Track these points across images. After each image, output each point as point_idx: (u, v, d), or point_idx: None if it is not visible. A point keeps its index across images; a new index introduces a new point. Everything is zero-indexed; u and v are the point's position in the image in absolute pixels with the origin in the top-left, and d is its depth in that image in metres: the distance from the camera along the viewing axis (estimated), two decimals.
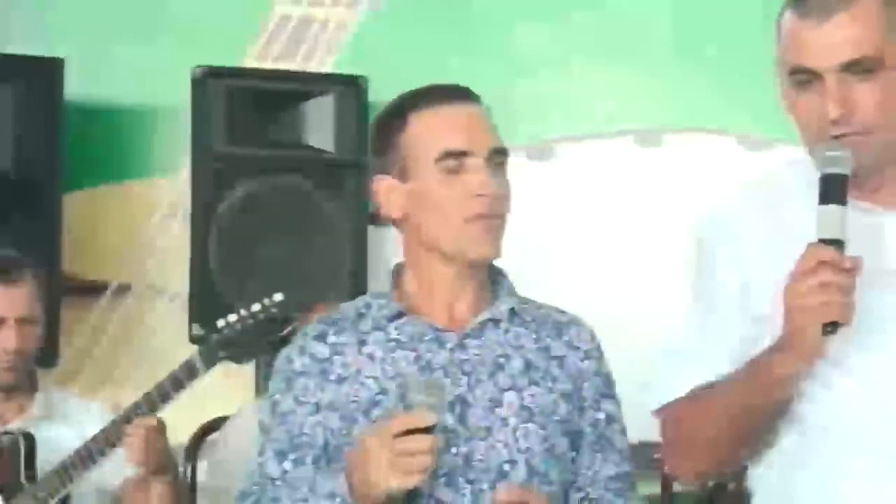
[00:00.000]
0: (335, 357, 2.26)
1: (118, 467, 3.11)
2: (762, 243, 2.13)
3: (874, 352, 2.11)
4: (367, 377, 2.24)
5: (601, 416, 2.30)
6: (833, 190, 2.04)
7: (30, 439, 3.18)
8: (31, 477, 3.17)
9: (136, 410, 3.06)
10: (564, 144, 4.57)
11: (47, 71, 4.09)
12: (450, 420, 2.19)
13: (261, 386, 3.65)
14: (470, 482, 2.17)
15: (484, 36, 4.57)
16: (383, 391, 2.22)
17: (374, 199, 2.28)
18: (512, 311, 2.28)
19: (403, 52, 4.49)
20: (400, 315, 2.25)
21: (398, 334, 2.26)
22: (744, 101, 4.40)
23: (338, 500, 2.16)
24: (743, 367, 2.10)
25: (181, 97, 4.01)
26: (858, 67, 2.07)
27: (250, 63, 4.46)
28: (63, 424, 3.24)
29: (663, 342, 2.29)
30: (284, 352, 2.30)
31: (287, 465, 2.27)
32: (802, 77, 2.10)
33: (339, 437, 2.24)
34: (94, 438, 3.08)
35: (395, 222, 2.26)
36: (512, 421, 2.22)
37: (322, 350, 2.27)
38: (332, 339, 2.28)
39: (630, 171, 4.56)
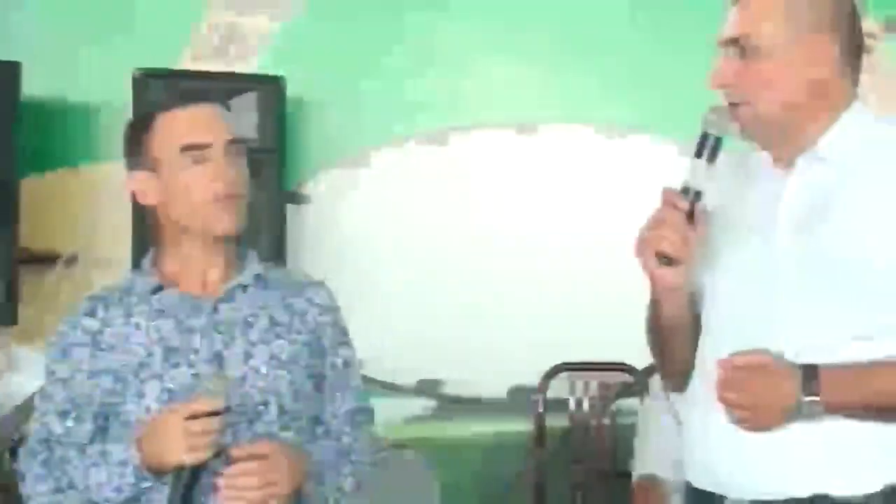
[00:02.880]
0: (105, 329, 2.26)
1: None
2: (717, 211, 2.13)
3: (742, 300, 2.11)
4: (134, 343, 2.25)
5: (339, 360, 2.36)
6: (705, 147, 2.06)
7: None
8: None
9: None
10: (455, 133, 4.62)
11: (7, 72, 4.05)
12: (209, 373, 2.23)
13: None
14: (230, 424, 2.18)
15: (385, 39, 4.59)
16: (150, 354, 2.24)
17: (129, 191, 2.30)
18: (258, 277, 2.31)
19: (317, 55, 4.52)
20: (160, 288, 2.27)
21: (160, 305, 2.27)
22: (607, 96, 4.54)
23: (130, 467, 2.17)
24: None
25: (125, 94, 3.99)
26: (738, 45, 2.08)
27: (186, 64, 4.44)
28: (21, 375, 3.42)
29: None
30: (59, 328, 2.29)
31: (69, 422, 2.25)
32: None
33: (113, 397, 2.24)
34: None
35: (152, 209, 2.29)
36: (263, 369, 2.25)
37: (92, 324, 2.27)
38: (101, 314, 2.28)
39: (510, 157, 4.62)
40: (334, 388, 2.36)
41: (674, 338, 2.20)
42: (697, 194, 2.03)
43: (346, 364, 2.37)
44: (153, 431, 2.14)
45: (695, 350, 2.20)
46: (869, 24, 4.39)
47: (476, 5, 4.57)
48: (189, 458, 2.12)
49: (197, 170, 2.23)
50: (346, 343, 2.38)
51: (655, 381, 3.40)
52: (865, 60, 4.25)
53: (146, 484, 2.16)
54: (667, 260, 2.03)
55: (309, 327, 2.32)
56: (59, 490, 2.22)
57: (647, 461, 3.63)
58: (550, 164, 4.59)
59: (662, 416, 3.43)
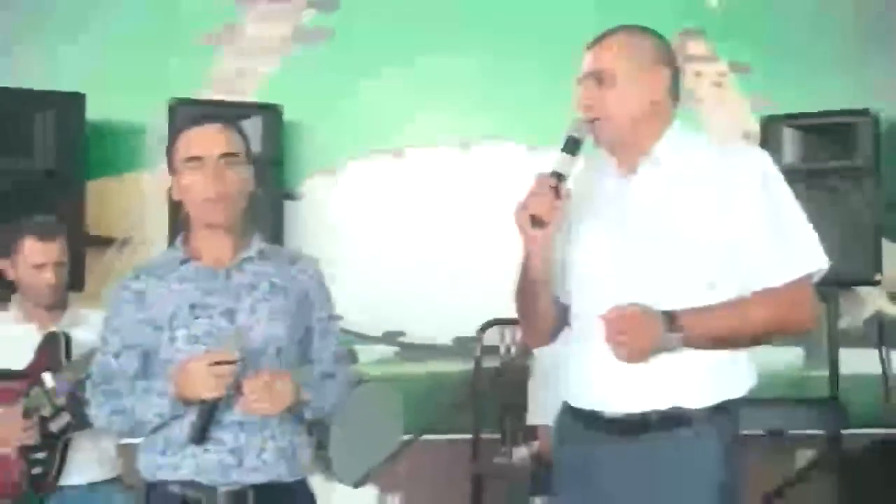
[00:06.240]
0: (147, 290, 2.42)
1: None
2: (576, 204, 2.27)
3: (605, 266, 2.26)
4: (167, 301, 2.41)
5: (324, 314, 2.51)
6: (568, 145, 2.22)
7: (68, 336, 3.39)
8: (69, 359, 3.35)
9: None
10: (411, 149, 4.93)
11: (75, 101, 4.37)
12: (224, 323, 2.38)
13: None
14: (239, 363, 2.32)
15: (357, 77, 4.89)
16: (178, 308, 2.40)
17: (167, 189, 2.48)
18: (261, 252, 2.47)
19: (306, 89, 4.85)
20: (187, 260, 2.45)
21: (186, 273, 2.43)
22: (529, 118, 4.82)
23: (166, 399, 2.35)
24: None
25: (164, 118, 4.26)
26: (595, 77, 2.24)
27: (209, 94, 4.75)
28: (85, 329, 3.38)
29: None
30: (113, 290, 2.47)
31: (122, 360, 2.41)
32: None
33: (153, 341, 2.40)
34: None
35: (179, 203, 2.45)
36: (264, 320, 2.39)
37: (138, 286, 2.44)
38: (143, 278, 2.44)
39: (451, 169, 4.93)
40: (321, 335, 2.50)
41: (537, 295, 2.28)
42: (564, 177, 2.21)
43: (329, 318, 2.52)
44: (185, 373, 2.32)
45: (552, 310, 2.33)
46: (720, 65, 4.77)
47: (420, 54, 4.86)
48: (211, 394, 2.31)
49: (194, 176, 2.38)
50: (329, 302, 2.53)
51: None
52: (717, 91, 4.75)
53: (178, 411, 2.38)
54: (538, 223, 2.17)
55: (300, 288, 2.46)
56: (114, 413, 2.42)
57: (545, 412, 3.61)
58: (483, 172, 4.90)
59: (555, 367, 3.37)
